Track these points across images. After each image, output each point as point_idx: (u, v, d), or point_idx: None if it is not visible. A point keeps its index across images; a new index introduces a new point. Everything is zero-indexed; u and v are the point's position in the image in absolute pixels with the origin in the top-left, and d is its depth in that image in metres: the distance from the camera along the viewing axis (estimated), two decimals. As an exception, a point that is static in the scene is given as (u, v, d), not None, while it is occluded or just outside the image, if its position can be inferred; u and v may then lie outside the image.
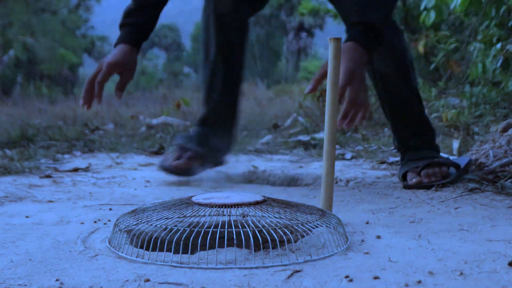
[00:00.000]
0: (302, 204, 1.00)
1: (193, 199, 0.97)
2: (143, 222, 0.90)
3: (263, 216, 0.90)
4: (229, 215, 0.89)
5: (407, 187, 1.50)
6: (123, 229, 0.91)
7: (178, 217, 0.90)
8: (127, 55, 1.55)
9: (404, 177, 1.57)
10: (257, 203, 0.93)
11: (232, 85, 1.74)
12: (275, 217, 0.90)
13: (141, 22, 1.58)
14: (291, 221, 0.88)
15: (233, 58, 1.72)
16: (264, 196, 0.98)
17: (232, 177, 1.88)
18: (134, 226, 0.90)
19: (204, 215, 0.90)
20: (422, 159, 1.56)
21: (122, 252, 0.86)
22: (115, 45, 1.57)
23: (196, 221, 0.89)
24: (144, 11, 1.59)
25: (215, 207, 0.91)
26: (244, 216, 0.89)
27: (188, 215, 0.91)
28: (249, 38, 1.75)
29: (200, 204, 0.93)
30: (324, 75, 1.19)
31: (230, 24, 1.66)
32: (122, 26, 1.60)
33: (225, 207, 0.91)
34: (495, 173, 1.54)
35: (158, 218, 0.90)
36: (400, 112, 1.61)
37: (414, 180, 1.50)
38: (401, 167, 1.59)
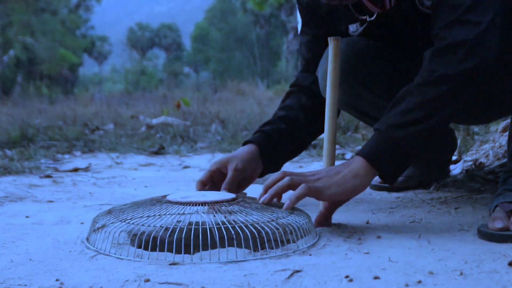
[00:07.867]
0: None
1: (170, 198, 0.97)
2: (131, 223, 0.90)
3: (248, 212, 0.91)
4: (216, 213, 0.90)
5: (481, 234, 0.94)
6: (100, 227, 0.93)
7: (164, 214, 0.91)
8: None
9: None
10: (233, 200, 0.96)
11: None
12: (258, 212, 0.92)
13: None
14: (273, 215, 0.91)
15: None
16: (235, 194, 1.01)
17: None
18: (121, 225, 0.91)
19: (191, 213, 0.91)
20: None
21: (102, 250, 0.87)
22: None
23: (189, 220, 0.89)
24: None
25: (198, 205, 0.92)
26: (230, 213, 0.91)
27: (173, 213, 0.91)
28: None
29: (180, 203, 0.94)
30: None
31: None
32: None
33: (207, 205, 0.92)
34: (495, 173, 1.54)
35: (147, 216, 0.91)
36: None
37: (496, 223, 0.92)
38: (496, 196, 1.02)
